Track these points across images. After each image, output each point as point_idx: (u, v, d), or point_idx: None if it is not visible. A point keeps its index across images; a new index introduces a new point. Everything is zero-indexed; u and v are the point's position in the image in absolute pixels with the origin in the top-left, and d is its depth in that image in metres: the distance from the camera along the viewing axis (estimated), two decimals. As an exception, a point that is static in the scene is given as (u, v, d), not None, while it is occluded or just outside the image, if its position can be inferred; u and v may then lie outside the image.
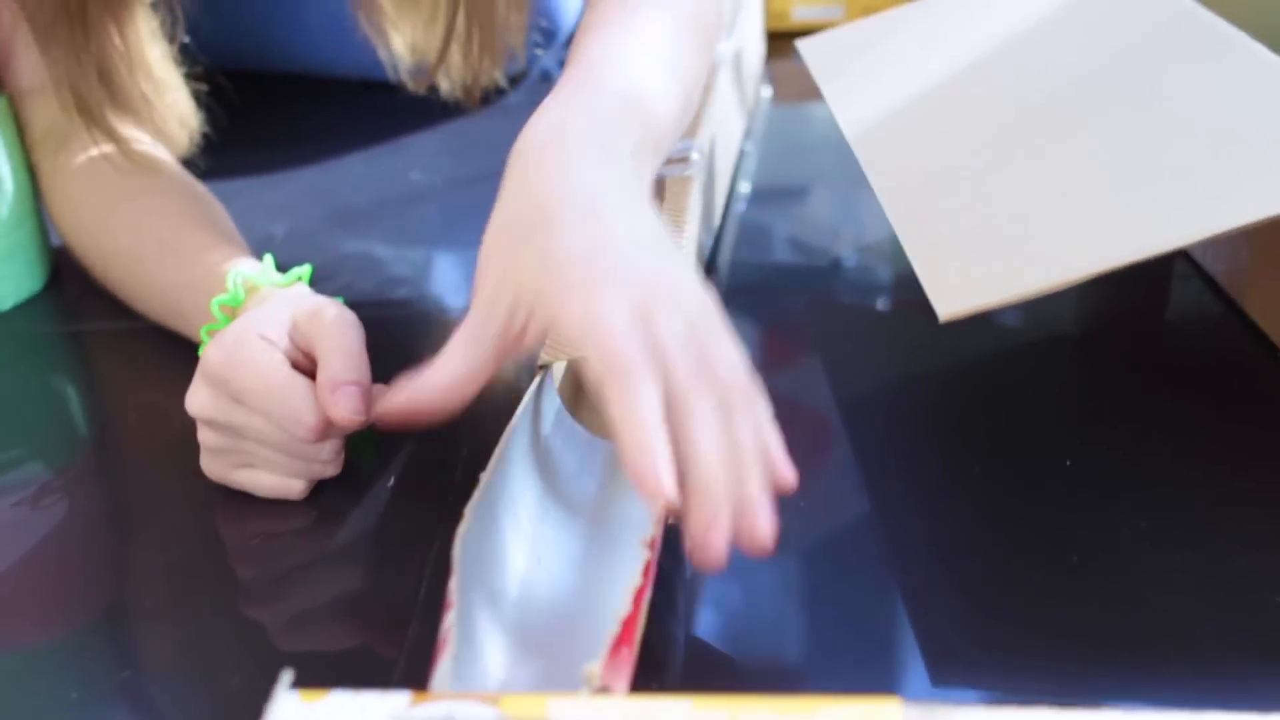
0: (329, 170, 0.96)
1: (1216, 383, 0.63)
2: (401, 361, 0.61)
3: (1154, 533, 0.53)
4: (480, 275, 0.51)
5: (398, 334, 0.73)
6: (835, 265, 0.80)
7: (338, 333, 0.56)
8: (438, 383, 0.50)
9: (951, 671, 0.48)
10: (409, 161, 0.97)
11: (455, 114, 0.96)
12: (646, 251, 0.48)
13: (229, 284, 0.63)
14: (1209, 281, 0.71)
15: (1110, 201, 0.54)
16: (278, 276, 0.64)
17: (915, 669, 0.48)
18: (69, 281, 0.82)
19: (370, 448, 0.62)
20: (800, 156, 0.96)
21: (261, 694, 0.39)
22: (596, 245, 0.47)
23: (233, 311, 0.62)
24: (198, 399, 0.57)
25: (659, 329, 0.45)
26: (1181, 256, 0.73)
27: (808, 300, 0.75)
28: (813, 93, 1.03)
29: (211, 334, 0.62)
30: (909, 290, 0.75)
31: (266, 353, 0.56)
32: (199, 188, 0.76)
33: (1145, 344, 0.68)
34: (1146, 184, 0.54)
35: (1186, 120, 0.57)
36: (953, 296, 0.51)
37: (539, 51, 1.06)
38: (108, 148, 0.75)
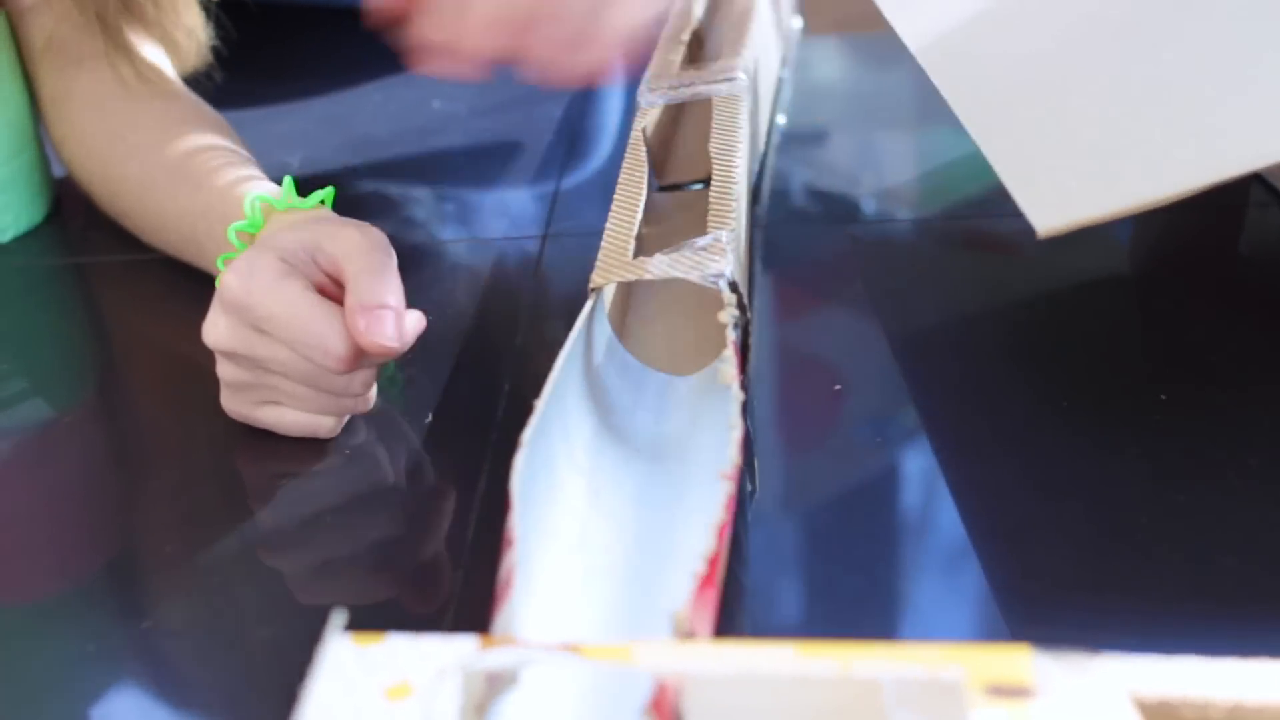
0: (344, 100, 0.91)
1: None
2: (425, 296, 0.57)
3: (1266, 469, 0.48)
4: None
5: (420, 268, 0.68)
6: (867, 199, 0.75)
7: (366, 253, 0.52)
8: None
9: (1045, 619, 0.44)
10: (429, 90, 0.92)
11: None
12: None
13: (246, 209, 0.58)
14: (1292, 209, 0.66)
15: (1208, 112, 0.50)
16: (299, 200, 0.59)
17: (1009, 615, 0.44)
18: (72, 212, 0.78)
19: (398, 387, 0.57)
20: (834, 90, 0.92)
21: (292, 647, 0.35)
22: None
23: (250, 238, 0.57)
24: (216, 330, 0.52)
25: None
26: (1258, 181, 0.69)
27: (851, 235, 0.70)
28: (844, 24, 1.00)
29: (228, 263, 0.57)
30: (956, 226, 0.70)
31: (289, 277, 0.52)
32: (210, 111, 0.71)
33: (1219, 277, 0.64)
34: (1247, 93, 0.50)
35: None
36: (1050, 210, 0.47)
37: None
38: (116, 67, 0.70)
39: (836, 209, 0.74)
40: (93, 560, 0.50)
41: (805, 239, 0.70)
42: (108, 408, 0.61)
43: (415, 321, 0.52)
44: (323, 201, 0.60)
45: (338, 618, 0.34)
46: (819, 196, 0.76)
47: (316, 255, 0.53)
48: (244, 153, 0.68)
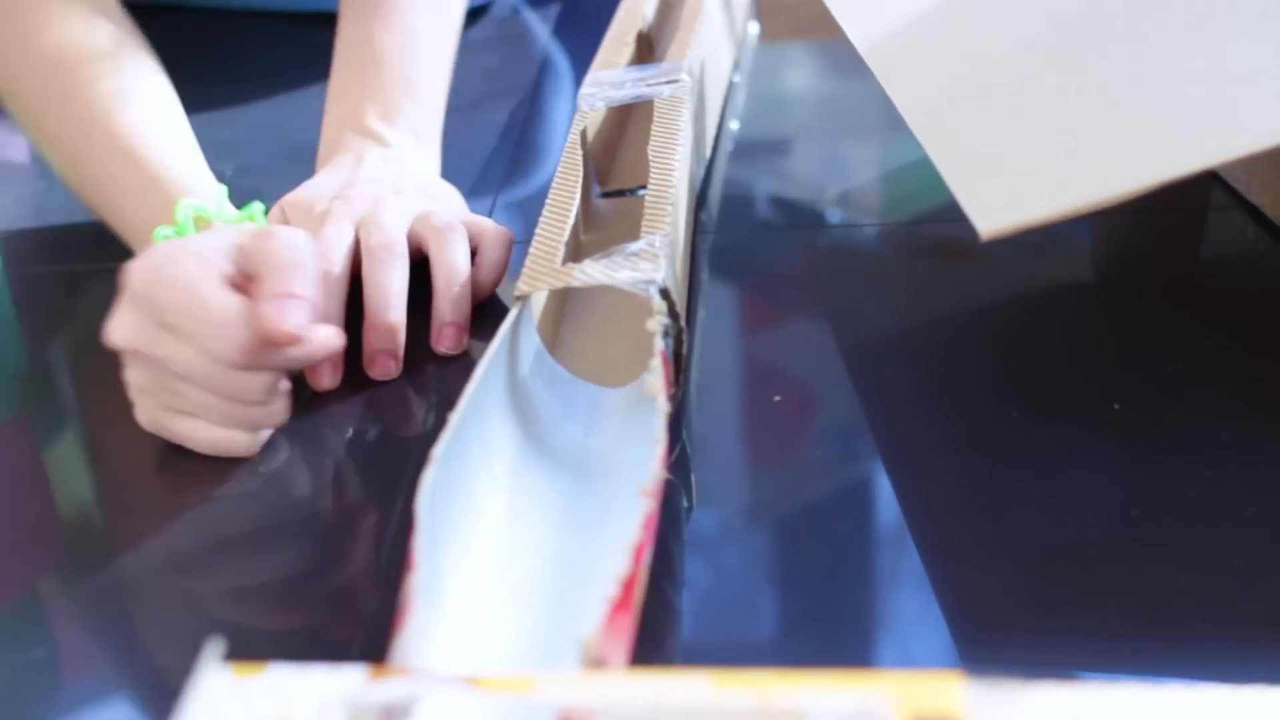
0: (281, 107, 0.88)
1: (1266, 321, 0.57)
2: (350, 308, 0.55)
3: (1221, 484, 0.46)
4: None
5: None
6: (828, 207, 0.73)
7: (287, 248, 0.49)
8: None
9: (995, 643, 0.41)
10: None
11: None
12: None
13: (178, 214, 0.56)
14: (1253, 213, 0.64)
15: (1157, 112, 0.48)
16: (231, 212, 0.57)
17: (952, 640, 0.41)
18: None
19: (303, 398, 0.55)
20: (789, 96, 0.90)
21: (191, 676, 0.32)
22: None
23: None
24: (120, 327, 0.50)
25: None
26: (1220, 186, 0.67)
27: (802, 242, 0.68)
28: (802, 29, 0.97)
29: (140, 252, 0.55)
30: (908, 234, 0.68)
31: (199, 268, 0.49)
32: (162, 80, 0.68)
33: (1180, 283, 0.61)
34: (1196, 93, 0.48)
35: (1234, 28, 0.51)
36: (994, 212, 0.45)
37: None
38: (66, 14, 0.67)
39: (794, 216, 0.72)
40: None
41: (762, 247, 0.68)
42: (24, 423, 0.58)
43: (328, 334, 0.50)
44: (251, 218, 0.58)
45: (214, 646, 0.31)
46: (777, 203, 0.74)
47: (237, 255, 0.50)
48: (190, 137, 0.65)
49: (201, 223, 0.56)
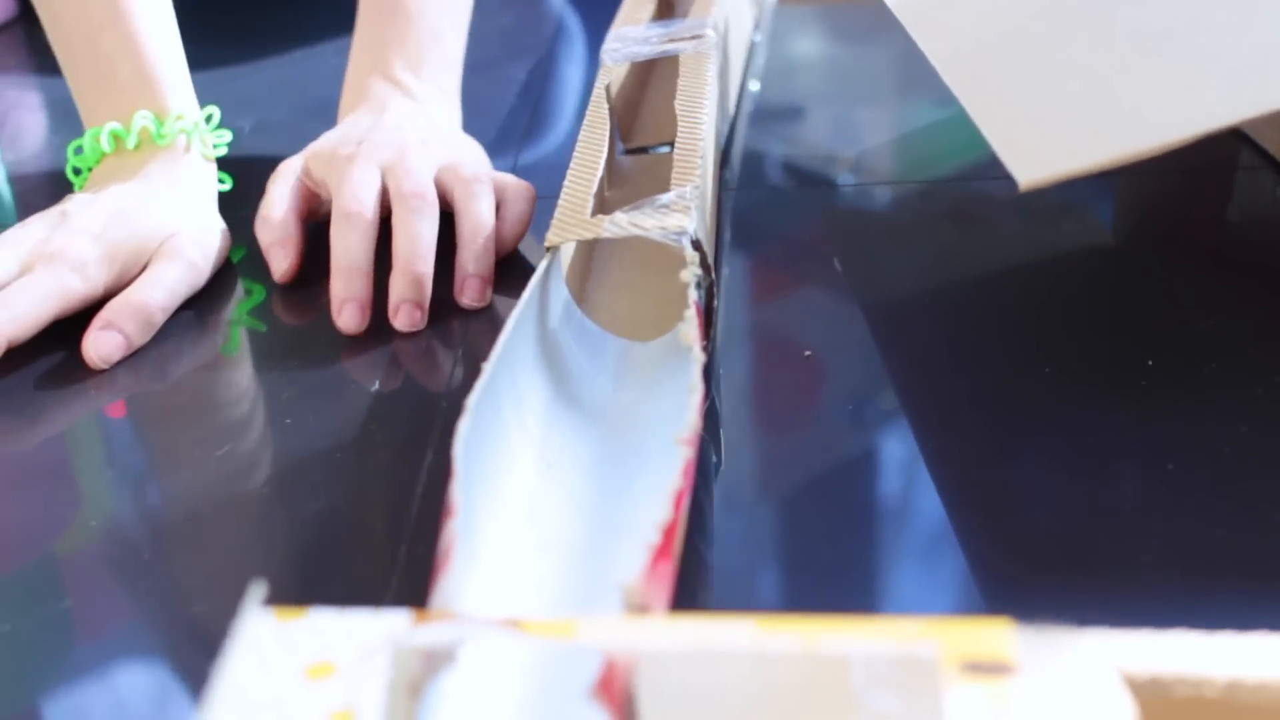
0: (298, 63, 0.88)
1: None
2: (377, 260, 0.55)
3: (1257, 436, 0.46)
4: None
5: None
6: (843, 170, 0.72)
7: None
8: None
9: (1027, 600, 0.41)
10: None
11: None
12: None
13: (133, 123, 0.60)
14: (1282, 172, 0.64)
15: (1191, 64, 0.47)
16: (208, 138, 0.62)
17: (982, 596, 0.41)
18: None
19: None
20: (811, 62, 0.89)
21: (222, 624, 0.32)
22: None
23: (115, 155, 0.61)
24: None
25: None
26: (1248, 146, 0.66)
27: (826, 206, 0.68)
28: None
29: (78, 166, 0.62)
30: (933, 196, 0.68)
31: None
32: None
33: (1208, 243, 0.61)
34: (1230, 45, 0.47)
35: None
36: (1032, 163, 0.44)
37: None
38: None
39: (812, 180, 0.71)
40: (13, 539, 0.47)
41: (780, 210, 0.67)
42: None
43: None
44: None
45: (256, 591, 0.31)
46: (795, 167, 0.73)
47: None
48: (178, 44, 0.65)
49: (145, 136, 0.60)
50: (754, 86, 0.82)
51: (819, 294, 0.60)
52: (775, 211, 0.67)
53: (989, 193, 0.65)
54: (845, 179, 0.71)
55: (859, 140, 0.76)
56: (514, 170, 0.71)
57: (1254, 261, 0.58)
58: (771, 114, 0.79)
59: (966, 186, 0.67)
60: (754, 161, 0.72)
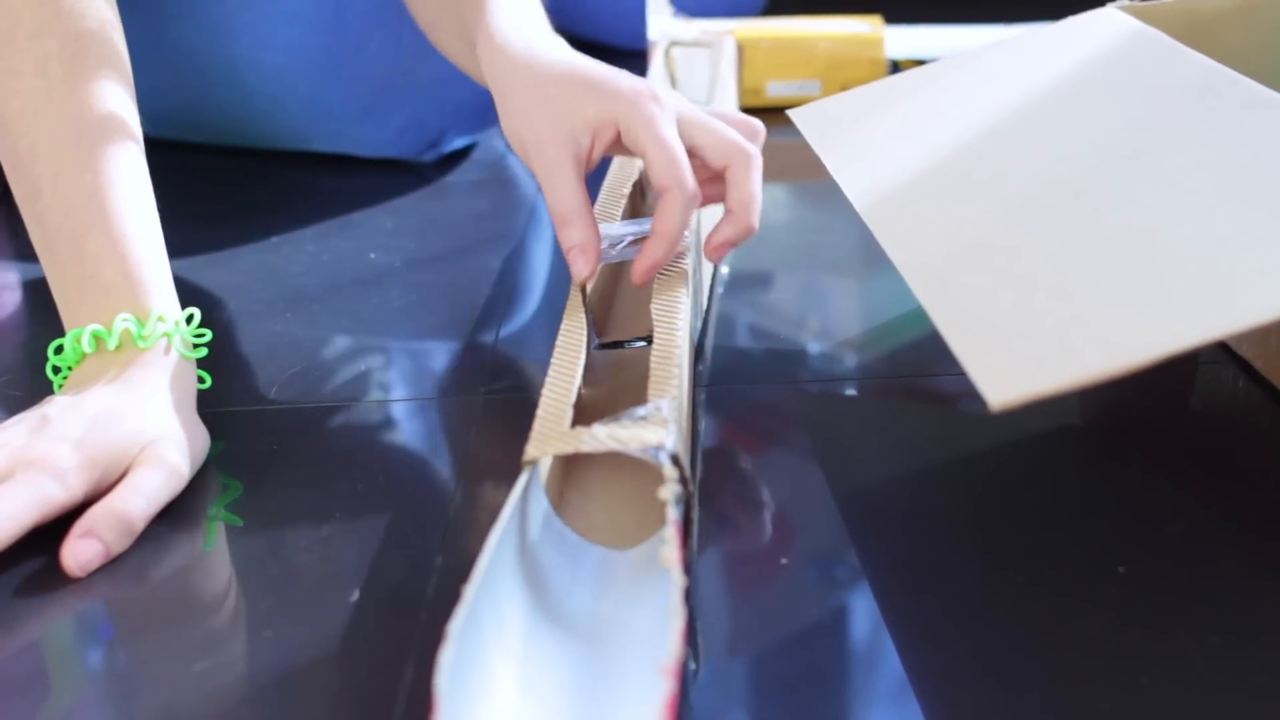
0: (277, 249, 0.89)
1: (1262, 478, 0.57)
2: (355, 461, 0.54)
3: (1229, 648, 0.46)
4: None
5: (351, 432, 0.66)
6: (818, 352, 0.74)
7: None
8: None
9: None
10: (365, 242, 0.90)
11: (409, 191, 0.91)
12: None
13: (114, 325, 0.60)
14: (1244, 367, 0.65)
15: (1157, 279, 0.49)
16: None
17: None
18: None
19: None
20: (776, 238, 0.91)
21: None
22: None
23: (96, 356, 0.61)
24: None
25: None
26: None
27: (794, 387, 0.69)
28: (785, 173, 0.99)
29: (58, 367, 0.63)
30: (898, 378, 0.69)
31: None
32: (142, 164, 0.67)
33: (1172, 435, 0.62)
34: (1195, 259, 0.49)
35: (1231, 191, 0.52)
36: (1004, 383, 0.45)
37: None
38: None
39: (782, 357, 0.73)
40: None
41: (750, 389, 0.68)
42: None
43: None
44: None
45: None
46: (764, 342, 0.74)
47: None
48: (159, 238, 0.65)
49: (125, 340, 0.61)
50: (723, 269, 0.84)
51: (789, 480, 0.60)
52: (746, 392, 0.68)
53: (959, 376, 0.66)
54: (815, 354, 0.72)
55: (828, 313, 0.78)
56: (495, 343, 0.72)
57: (1219, 457, 0.59)
58: (743, 287, 0.81)
59: (936, 364, 0.69)
60: (726, 336, 0.74)
